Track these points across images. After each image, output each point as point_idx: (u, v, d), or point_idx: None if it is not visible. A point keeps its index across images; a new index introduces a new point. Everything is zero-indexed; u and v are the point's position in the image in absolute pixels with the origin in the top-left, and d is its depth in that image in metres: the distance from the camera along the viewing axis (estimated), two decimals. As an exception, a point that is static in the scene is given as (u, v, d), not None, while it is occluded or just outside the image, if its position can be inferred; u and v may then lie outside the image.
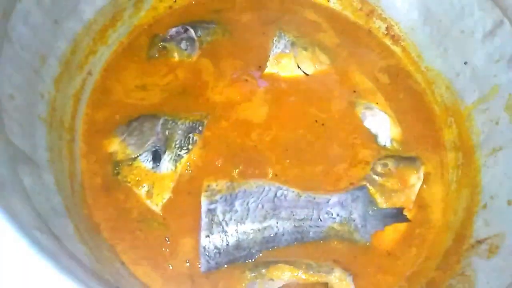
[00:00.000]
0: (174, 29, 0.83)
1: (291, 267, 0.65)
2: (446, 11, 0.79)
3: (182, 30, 0.83)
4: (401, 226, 0.72)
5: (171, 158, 0.72)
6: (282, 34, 0.85)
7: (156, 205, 0.70)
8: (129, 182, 0.71)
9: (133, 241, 0.67)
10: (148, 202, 0.70)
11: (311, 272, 0.65)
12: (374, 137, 0.78)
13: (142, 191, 0.70)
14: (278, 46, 0.83)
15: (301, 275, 0.65)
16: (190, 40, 0.82)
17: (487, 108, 0.73)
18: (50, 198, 0.57)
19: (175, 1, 0.89)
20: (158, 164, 0.71)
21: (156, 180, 0.71)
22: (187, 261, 0.66)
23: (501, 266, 0.58)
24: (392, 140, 0.78)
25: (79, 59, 0.75)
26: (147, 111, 0.76)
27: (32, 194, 0.50)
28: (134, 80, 0.79)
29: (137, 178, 0.70)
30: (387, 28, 0.90)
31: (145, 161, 0.71)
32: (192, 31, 0.82)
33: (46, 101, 0.66)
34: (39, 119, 0.63)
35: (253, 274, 0.65)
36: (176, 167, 0.72)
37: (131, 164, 0.71)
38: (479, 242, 0.64)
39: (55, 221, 0.53)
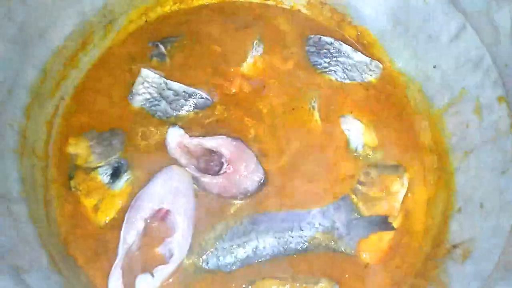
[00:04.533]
0: None
1: (278, 281, 0.66)
2: (412, 16, 0.80)
3: (153, 47, 0.85)
4: (388, 236, 0.71)
5: (128, 179, 0.72)
6: (261, 39, 0.86)
7: (98, 222, 0.69)
8: (80, 191, 0.70)
9: (108, 269, 0.65)
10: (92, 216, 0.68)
11: (298, 284, 0.65)
12: (347, 143, 0.77)
13: (90, 203, 0.69)
14: (257, 50, 0.85)
15: (288, 288, 0.65)
16: (161, 55, 0.84)
17: (457, 111, 0.74)
18: (21, 230, 0.57)
19: (146, 21, 0.90)
20: (114, 180, 0.71)
21: (107, 196, 0.70)
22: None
23: (473, 271, 0.58)
24: (364, 145, 0.77)
25: (50, 86, 0.75)
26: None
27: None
28: (105, 99, 0.79)
29: (89, 189, 0.70)
30: (358, 35, 0.90)
31: (103, 174, 0.71)
32: (161, 47, 0.84)
33: (16, 131, 0.66)
34: (8, 151, 0.63)
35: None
36: (129, 188, 0.71)
37: (88, 173, 0.71)
38: (454, 246, 0.64)
39: (25, 254, 0.53)
